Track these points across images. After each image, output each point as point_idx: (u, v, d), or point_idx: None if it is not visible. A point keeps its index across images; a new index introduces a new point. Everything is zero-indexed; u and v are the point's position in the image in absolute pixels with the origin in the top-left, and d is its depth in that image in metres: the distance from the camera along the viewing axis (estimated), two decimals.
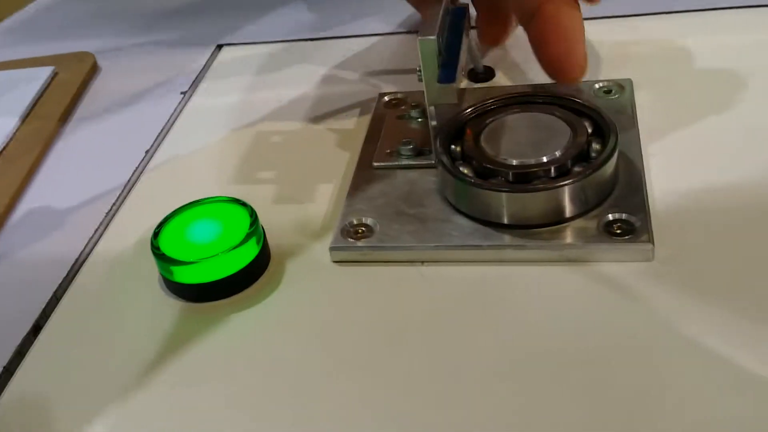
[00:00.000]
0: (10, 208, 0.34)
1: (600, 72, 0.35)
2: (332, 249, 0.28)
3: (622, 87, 0.33)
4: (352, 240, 0.28)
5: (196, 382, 0.25)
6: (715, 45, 0.37)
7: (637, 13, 0.40)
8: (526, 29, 0.31)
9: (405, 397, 0.23)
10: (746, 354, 0.23)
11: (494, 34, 0.36)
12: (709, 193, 0.28)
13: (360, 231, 0.29)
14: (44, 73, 0.43)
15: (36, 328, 0.28)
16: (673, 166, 0.30)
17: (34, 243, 0.32)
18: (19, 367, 0.27)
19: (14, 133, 0.39)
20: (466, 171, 0.28)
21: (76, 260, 0.31)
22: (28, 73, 0.44)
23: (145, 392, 0.25)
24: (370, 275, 0.28)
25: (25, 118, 0.40)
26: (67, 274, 0.30)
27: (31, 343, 0.28)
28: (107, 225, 0.32)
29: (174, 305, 0.28)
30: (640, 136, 0.31)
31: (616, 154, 0.28)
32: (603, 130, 0.29)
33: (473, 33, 0.35)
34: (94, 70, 0.44)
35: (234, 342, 0.26)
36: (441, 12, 0.29)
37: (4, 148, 0.38)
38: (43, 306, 0.29)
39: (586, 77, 0.35)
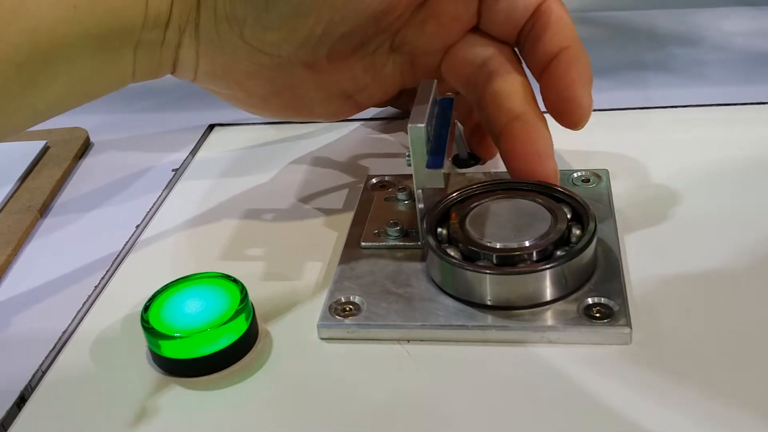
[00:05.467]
0: None
1: (578, 162, 0.37)
2: (320, 326, 0.29)
3: (599, 176, 0.35)
4: (339, 317, 0.29)
5: None
6: (687, 139, 0.39)
7: (613, 108, 0.42)
8: (497, 145, 0.33)
9: None
10: None
11: (480, 150, 0.37)
12: (685, 279, 0.30)
13: (348, 309, 0.29)
14: (36, 147, 0.44)
15: (21, 401, 0.28)
16: (649, 252, 0.31)
17: (21, 315, 0.32)
18: None
19: (3, 207, 0.39)
20: (451, 253, 0.29)
21: (63, 333, 0.31)
22: (19, 146, 0.44)
23: None
24: (357, 352, 0.28)
25: (15, 192, 0.41)
26: (54, 347, 0.30)
27: (15, 416, 0.27)
28: (96, 299, 0.33)
29: (161, 380, 0.28)
30: (617, 224, 0.32)
31: (594, 240, 0.29)
32: (582, 217, 0.30)
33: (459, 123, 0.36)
34: (86, 145, 0.45)
35: (221, 418, 0.26)
36: (430, 102, 0.30)
37: None
38: (29, 379, 0.29)
39: (566, 167, 0.37)
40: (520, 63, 0.34)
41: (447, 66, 0.35)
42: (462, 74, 0.34)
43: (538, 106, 0.33)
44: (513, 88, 0.32)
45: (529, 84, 0.33)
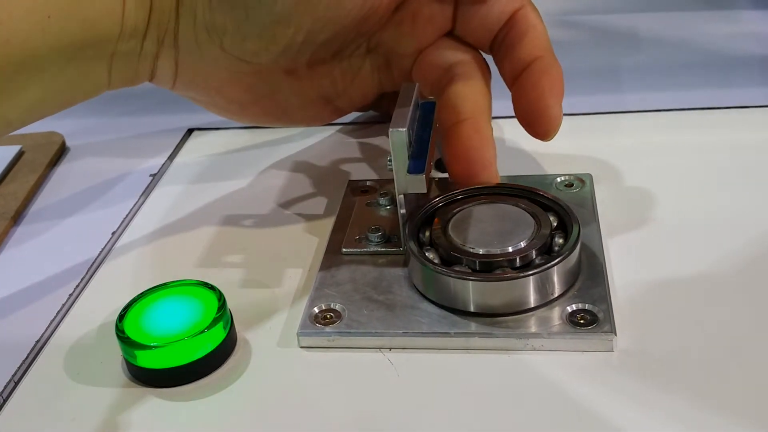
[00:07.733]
0: None
1: (561, 166, 0.36)
2: (300, 334, 0.28)
3: (583, 181, 0.35)
4: (320, 325, 0.28)
5: None
6: (670, 142, 0.38)
7: (596, 112, 0.41)
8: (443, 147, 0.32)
9: None
10: None
11: None
12: (670, 284, 0.29)
13: (328, 316, 0.29)
14: (10, 152, 0.43)
15: None
16: (633, 257, 0.31)
17: None
18: None
19: None
20: (433, 259, 0.29)
21: (37, 343, 0.30)
22: None
23: None
24: (338, 361, 0.28)
25: None
26: (27, 357, 0.29)
27: None
28: (70, 307, 0.32)
29: (137, 391, 0.27)
30: (601, 229, 0.32)
31: (578, 246, 0.29)
32: (566, 223, 0.30)
33: None
34: (62, 150, 0.44)
35: (198, 429, 0.26)
36: (411, 106, 0.30)
37: None
38: (1, 390, 0.28)
39: (549, 171, 0.36)
40: (487, 71, 0.34)
41: (417, 68, 0.35)
42: (429, 77, 0.34)
43: (489, 113, 0.32)
44: (468, 92, 0.32)
45: (488, 92, 0.33)
